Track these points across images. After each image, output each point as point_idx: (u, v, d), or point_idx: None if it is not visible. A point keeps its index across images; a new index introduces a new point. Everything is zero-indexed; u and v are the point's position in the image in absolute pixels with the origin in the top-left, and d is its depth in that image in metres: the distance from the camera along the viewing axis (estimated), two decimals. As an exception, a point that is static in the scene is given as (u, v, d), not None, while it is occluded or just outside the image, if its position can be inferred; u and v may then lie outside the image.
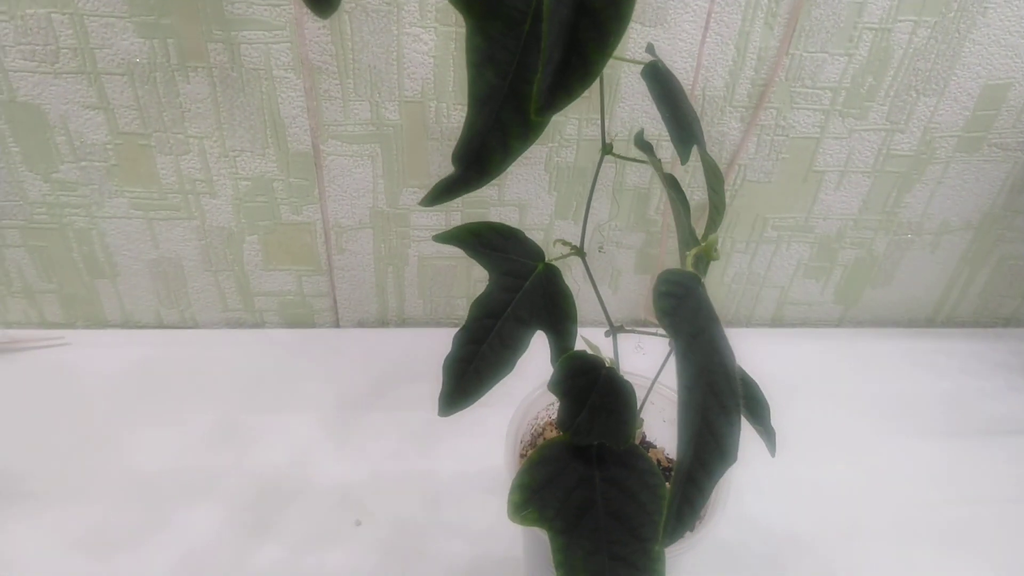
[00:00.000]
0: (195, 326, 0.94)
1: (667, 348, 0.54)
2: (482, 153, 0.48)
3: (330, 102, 0.77)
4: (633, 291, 0.94)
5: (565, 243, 0.60)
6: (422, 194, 0.84)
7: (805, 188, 0.87)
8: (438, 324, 0.96)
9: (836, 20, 0.74)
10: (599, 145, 0.84)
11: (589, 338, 0.60)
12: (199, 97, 0.75)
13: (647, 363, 0.60)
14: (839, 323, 1.01)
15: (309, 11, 0.52)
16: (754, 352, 0.93)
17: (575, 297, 0.55)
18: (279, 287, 0.91)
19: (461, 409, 0.55)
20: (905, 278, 0.96)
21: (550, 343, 0.56)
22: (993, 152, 0.85)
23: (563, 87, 0.39)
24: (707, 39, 0.74)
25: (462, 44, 0.73)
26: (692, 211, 0.58)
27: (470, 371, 0.55)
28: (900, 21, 0.74)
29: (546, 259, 0.57)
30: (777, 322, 1.00)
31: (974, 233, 0.92)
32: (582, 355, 0.55)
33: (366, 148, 0.80)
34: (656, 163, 0.55)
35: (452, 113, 0.78)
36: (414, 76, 0.75)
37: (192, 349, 0.90)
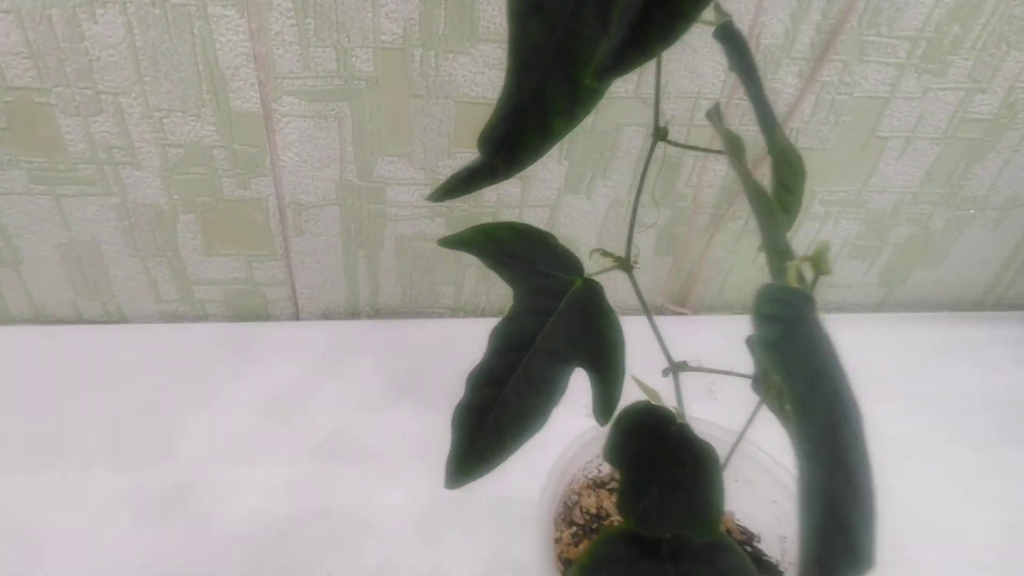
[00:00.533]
0: (121, 320, 0.77)
1: (741, 389, 0.40)
2: (515, 135, 0.33)
3: (284, 48, 0.59)
4: (651, 275, 0.80)
5: (606, 254, 0.45)
6: (403, 165, 0.67)
7: (864, 157, 0.72)
8: (419, 315, 0.81)
9: (932, -50, 0.58)
10: (624, 103, 0.69)
11: (641, 379, 0.45)
12: (110, 42, 0.57)
13: (718, 411, 0.46)
14: (879, 307, 0.88)
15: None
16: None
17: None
18: (224, 274, 0.74)
19: (476, 478, 0.41)
20: (960, 257, 0.83)
21: (593, 385, 0.42)
22: (1087, 116, 0.71)
23: (638, 45, 0.28)
24: (771, -27, 0.59)
25: (459, -26, 0.56)
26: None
27: (488, 424, 0.41)
28: (1008, -47, 0.59)
29: (584, 273, 0.42)
30: (811, 308, 0.86)
31: (1047, 208, 0.79)
32: (645, 407, 0.41)
33: (331, 107, 0.63)
34: (739, 153, 0.40)
35: (442, 64, 0.61)
36: (393, 15, 0.58)
37: (118, 347, 0.74)
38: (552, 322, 0.41)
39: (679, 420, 0.40)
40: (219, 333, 0.76)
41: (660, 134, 0.41)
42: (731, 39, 0.39)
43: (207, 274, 0.74)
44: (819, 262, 0.37)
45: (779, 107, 0.67)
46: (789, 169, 0.43)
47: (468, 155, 0.67)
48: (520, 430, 0.40)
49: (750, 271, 0.81)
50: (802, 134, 0.69)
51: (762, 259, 0.78)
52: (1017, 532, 0.63)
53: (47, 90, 0.60)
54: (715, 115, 0.41)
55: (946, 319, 0.87)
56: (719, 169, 0.71)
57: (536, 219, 0.73)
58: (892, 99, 0.68)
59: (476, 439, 0.41)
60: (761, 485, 0.49)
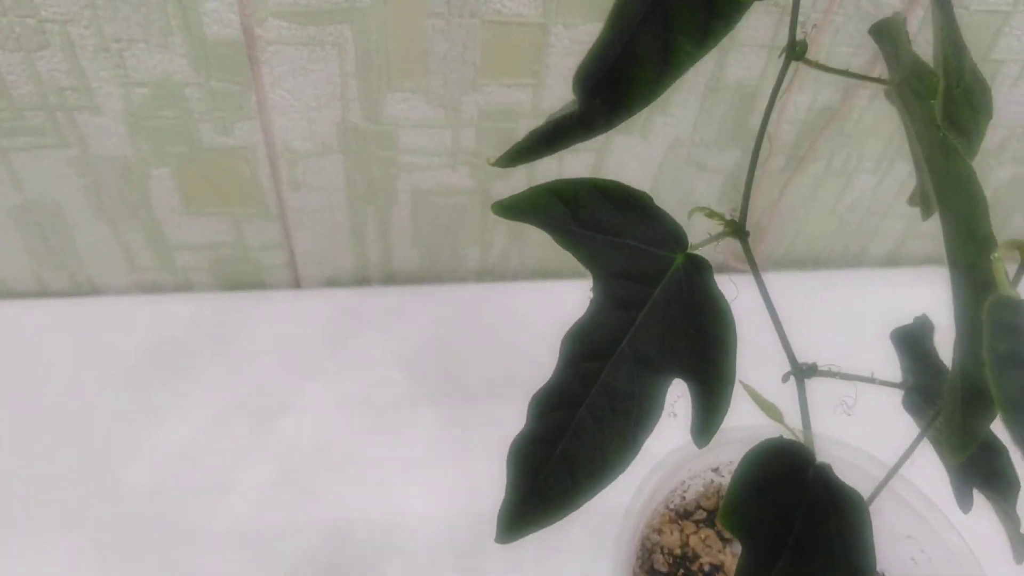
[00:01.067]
0: (93, 292, 0.66)
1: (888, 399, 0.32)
2: (625, 67, 0.22)
3: (267, -43, 0.47)
4: (714, 226, 0.68)
5: (712, 214, 0.33)
6: (419, 102, 0.55)
7: (974, 83, 0.60)
8: (439, 280, 0.69)
9: None
10: None
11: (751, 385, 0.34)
12: (45, -50, 0.45)
13: (852, 427, 0.35)
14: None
15: None
16: (863, 299, 0.68)
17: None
18: (208, 237, 0.63)
19: (537, 529, 0.30)
20: (1069, 201, 0.71)
21: (693, 396, 0.31)
22: None
23: None
24: None
25: None
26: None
27: (555, 459, 0.30)
28: None
29: (688, 246, 0.31)
30: (894, 261, 0.75)
31: None
32: (774, 448, 0.30)
33: (329, 31, 0.51)
34: (923, 91, 0.28)
35: (466, -27, 0.49)
36: (405, -90, 0.46)
37: (89, 322, 0.63)
38: (643, 318, 0.30)
39: (817, 460, 0.29)
40: (205, 305, 0.65)
41: (797, 51, 0.29)
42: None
43: (188, 237, 0.63)
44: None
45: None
46: (967, 104, 0.31)
47: (499, 90, 0.55)
48: (600, 467, 0.30)
49: (828, 220, 0.69)
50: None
51: (845, 205, 0.67)
52: None
53: (-27, 16, 0.48)
54: (887, 31, 0.29)
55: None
56: (802, 101, 0.59)
57: (580, 165, 0.61)
58: (1014, 13, 0.55)
59: (540, 478, 0.30)
60: (892, 514, 0.38)
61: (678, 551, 0.38)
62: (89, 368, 0.59)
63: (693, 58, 0.23)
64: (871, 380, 0.33)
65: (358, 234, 0.64)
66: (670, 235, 0.31)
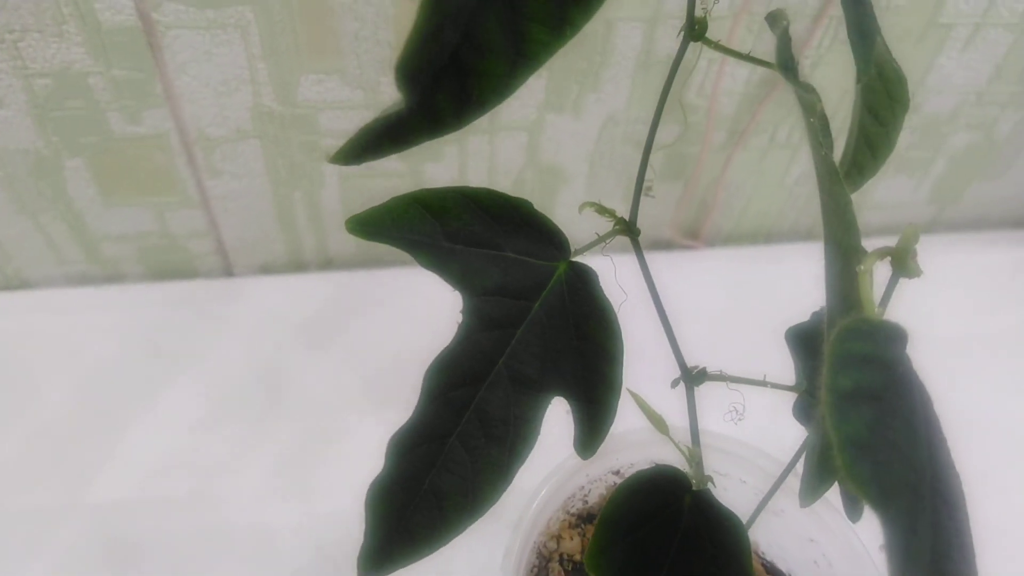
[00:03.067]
0: (23, 286, 0.65)
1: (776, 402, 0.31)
2: (469, 60, 0.20)
3: (154, -62, 0.44)
4: (659, 203, 0.66)
5: (603, 210, 0.31)
6: (334, 83, 0.53)
7: (919, 51, 0.57)
8: (379, 265, 0.67)
9: None
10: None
11: (637, 392, 0.32)
12: (-86, -63, 0.43)
13: (744, 431, 0.33)
14: (930, 228, 0.74)
15: None
16: (818, 273, 0.66)
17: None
18: (132, 227, 0.61)
19: (403, 566, 0.28)
20: (1028, 167, 0.69)
21: (576, 417, 0.29)
22: None
23: None
24: None
25: None
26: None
27: (422, 496, 0.28)
28: None
29: (571, 252, 0.29)
30: (849, 234, 0.72)
31: None
32: (646, 480, 0.28)
33: (229, 12, 0.49)
34: (808, 105, 0.26)
35: (369, -50, 0.46)
36: None
37: (19, 316, 0.61)
38: (521, 335, 0.28)
39: (695, 485, 0.28)
40: (136, 295, 0.63)
41: (697, 30, 0.26)
42: None
43: (112, 228, 0.61)
44: (903, 261, 0.23)
45: (815, -11, 0.52)
46: (885, 94, 0.29)
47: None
48: (471, 500, 0.28)
49: (777, 193, 0.67)
50: (842, 24, 0.54)
51: (792, 178, 0.64)
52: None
53: None
54: (778, 20, 0.27)
55: (1009, 239, 0.74)
56: (739, 73, 0.56)
57: (514, 145, 0.59)
58: (961, -28, 0.53)
59: (402, 517, 0.28)
60: (794, 518, 0.36)
61: (578, 557, 0.36)
62: (19, 364, 0.58)
63: (551, 49, 0.21)
64: (763, 384, 0.32)
65: (286, 220, 0.62)
66: (552, 243, 0.28)
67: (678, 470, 0.29)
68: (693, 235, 0.70)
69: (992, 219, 0.75)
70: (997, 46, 0.58)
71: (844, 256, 0.25)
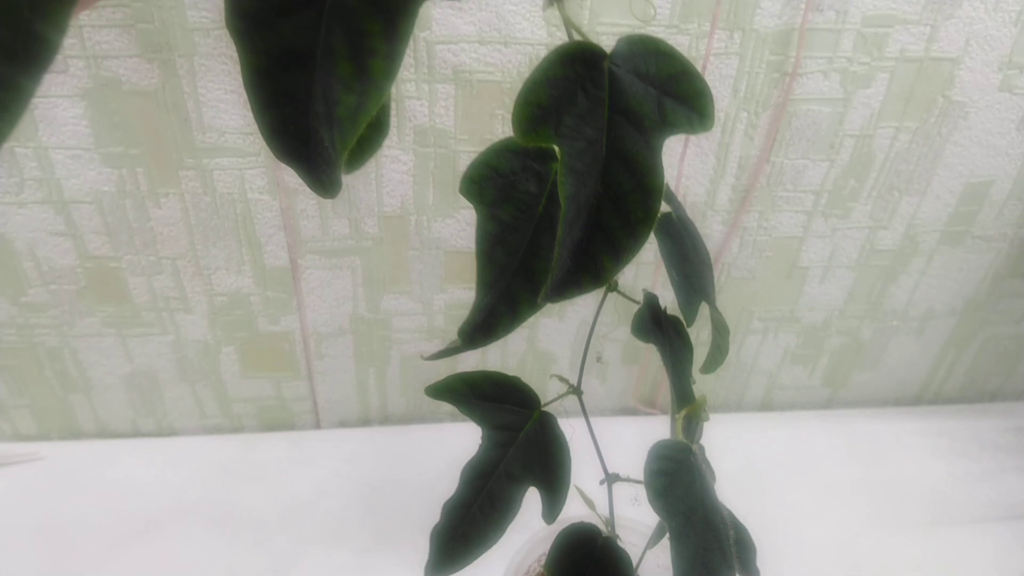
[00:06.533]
0: (172, 434, 0.92)
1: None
2: (490, 321, 0.47)
3: (308, 220, 0.75)
4: (621, 380, 0.93)
5: (562, 379, 0.58)
6: (404, 300, 0.82)
7: (790, 283, 0.86)
8: (422, 420, 0.94)
9: (817, 129, 0.73)
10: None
11: (583, 488, 0.58)
12: (171, 220, 0.73)
13: (645, 514, 0.59)
14: (828, 404, 1.00)
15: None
16: (744, 436, 0.92)
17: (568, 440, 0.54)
18: (257, 393, 0.89)
19: (451, 573, 0.54)
20: (892, 361, 0.96)
21: (543, 499, 0.55)
22: (976, 244, 0.84)
23: (574, 284, 0.39)
24: (687, 152, 0.73)
25: (441, 164, 0.72)
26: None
27: (457, 536, 0.54)
28: (882, 128, 0.74)
29: (542, 404, 0.55)
30: (767, 406, 0.99)
31: (959, 318, 0.92)
32: (578, 528, 0.53)
33: (345, 260, 0.78)
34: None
35: (432, 224, 0.76)
36: (393, 193, 0.74)
37: (168, 455, 0.88)
38: (512, 452, 0.54)
39: (605, 533, 0.53)
40: (251, 442, 0.90)
41: (611, 286, 0.54)
42: (669, 232, 0.50)
43: (243, 393, 0.89)
44: (697, 412, 0.50)
45: (709, 246, 0.81)
46: (720, 329, 0.56)
47: (456, 290, 0.82)
48: (482, 540, 0.53)
49: (707, 375, 0.94)
50: (733, 267, 0.83)
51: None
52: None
53: (119, 257, 0.75)
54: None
55: (890, 414, 0.99)
56: (667, 298, 0.85)
57: (518, 337, 0.87)
58: (807, 238, 0.82)
59: (448, 549, 0.54)
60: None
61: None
62: (162, 490, 0.84)
63: (528, 316, 0.48)
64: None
65: (362, 388, 0.90)
66: (530, 400, 0.55)
67: (593, 525, 0.54)
68: (651, 404, 0.97)
69: (876, 399, 1.01)
70: (845, 280, 0.87)
71: (682, 398, 0.52)
